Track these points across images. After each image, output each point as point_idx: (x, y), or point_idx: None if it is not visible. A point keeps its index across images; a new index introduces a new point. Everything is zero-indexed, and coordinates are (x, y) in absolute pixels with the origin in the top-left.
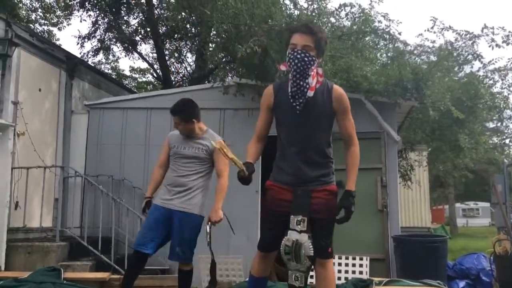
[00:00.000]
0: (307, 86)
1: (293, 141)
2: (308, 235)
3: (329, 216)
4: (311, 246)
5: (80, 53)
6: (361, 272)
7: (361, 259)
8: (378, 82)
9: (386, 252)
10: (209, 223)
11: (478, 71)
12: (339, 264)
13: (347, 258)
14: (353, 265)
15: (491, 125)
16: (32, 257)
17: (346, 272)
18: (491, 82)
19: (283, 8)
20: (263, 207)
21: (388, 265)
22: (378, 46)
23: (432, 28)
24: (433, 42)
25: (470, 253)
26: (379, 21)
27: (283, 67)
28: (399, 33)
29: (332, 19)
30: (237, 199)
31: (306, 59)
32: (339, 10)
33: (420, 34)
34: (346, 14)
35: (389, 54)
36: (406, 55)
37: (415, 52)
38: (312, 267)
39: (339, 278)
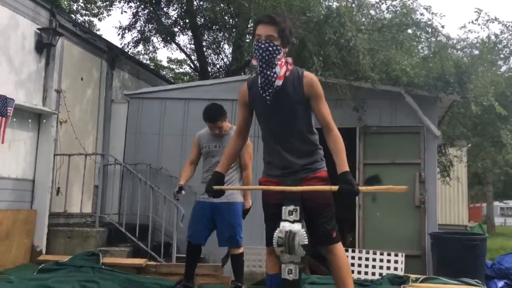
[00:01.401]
0: (275, 75)
1: (273, 133)
2: (302, 224)
3: (325, 202)
4: (306, 235)
5: (120, 44)
6: (396, 269)
7: (396, 255)
8: (418, 76)
9: (422, 248)
10: (244, 209)
11: None
12: (374, 260)
13: (382, 254)
14: (388, 261)
15: None
16: (72, 241)
17: (381, 268)
18: None
19: (322, 0)
20: (262, 203)
21: (424, 262)
22: (420, 39)
23: (476, 20)
24: (478, 35)
25: (509, 252)
26: (421, 14)
27: (254, 62)
28: (442, 26)
29: (372, 12)
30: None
31: (270, 48)
32: (380, 3)
33: (463, 26)
34: (387, 8)
35: (431, 48)
36: (448, 48)
37: (458, 46)
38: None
39: (373, 274)
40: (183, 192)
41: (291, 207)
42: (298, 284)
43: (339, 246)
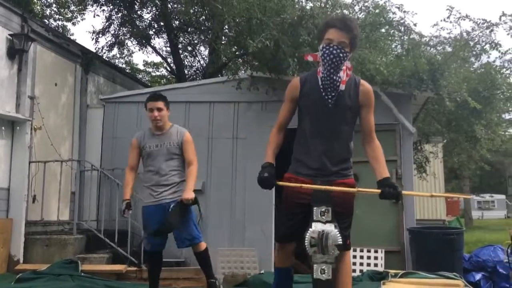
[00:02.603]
0: (339, 79)
1: (319, 133)
2: (335, 224)
3: (349, 209)
4: (339, 235)
5: (95, 49)
6: (376, 265)
7: (376, 251)
8: (392, 74)
9: (401, 244)
10: (180, 200)
11: (494, 61)
12: (354, 257)
13: (362, 251)
14: (368, 257)
15: (507, 116)
16: (50, 249)
17: (361, 264)
18: (508, 72)
19: (296, 1)
20: (283, 198)
21: (404, 258)
22: (393, 37)
23: (448, 17)
24: (450, 32)
25: (486, 245)
26: (394, 13)
27: (310, 58)
28: (415, 24)
29: (346, 11)
30: (252, 193)
31: (341, 55)
32: (353, 4)
33: (436, 24)
34: (360, 8)
35: (404, 46)
36: (421, 46)
37: (430, 43)
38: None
39: (354, 271)
40: (131, 210)
41: (323, 208)
42: (331, 284)
43: (348, 254)
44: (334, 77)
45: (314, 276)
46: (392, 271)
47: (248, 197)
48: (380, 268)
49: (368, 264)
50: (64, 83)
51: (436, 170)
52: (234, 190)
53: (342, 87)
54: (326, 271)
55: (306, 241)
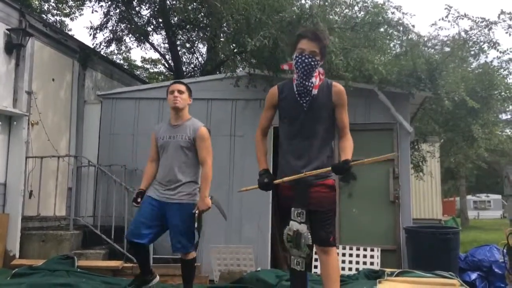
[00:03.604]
0: (312, 85)
1: (296, 135)
2: (307, 226)
3: (328, 208)
4: (310, 236)
5: (92, 44)
6: (372, 263)
7: (372, 250)
8: (390, 73)
9: (397, 243)
10: (197, 211)
11: (492, 61)
12: (350, 255)
13: (358, 249)
14: (364, 256)
15: (504, 116)
16: (46, 245)
17: (357, 263)
18: (505, 72)
19: (294, 0)
20: (279, 206)
21: (400, 256)
22: (392, 37)
23: (446, 17)
24: (448, 31)
25: (482, 245)
26: (392, 13)
27: (286, 67)
28: (413, 26)
29: (346, 10)
30: (248, 192)
31: (312, 63)
32: (353, 4)
33: (434, 24)
34: (359, 8)
35: (403, 46)
36: (420, 46)
37: (429, 44)
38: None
39: (350, 269)
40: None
41: (299, 210)
42: (304, 275)
43: (334, 249)
44: (307, 83)
45: (291, 266)
46: (388, 270)
47: (245, 195)
48: (376, 267)
49: (364, 263)
50: (62, 79)
51: (433, 170)
52: (231, 188)
53: (315, 91)
54: (300, 264)
55: (284, 236)
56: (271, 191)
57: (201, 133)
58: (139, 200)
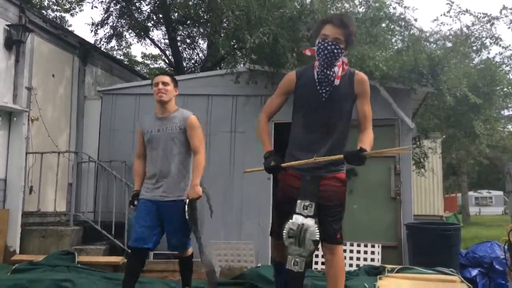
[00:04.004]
0: (334, 75)
1: (313, 127)
2: (315, 220)
3: (338, 203)
4: (317, 231)
5: (94, 41)
6: (373, 260)
7: (373, 246)
8: (392, 69)
9: (398, 239)
10: (187, 200)
11: (494, 57)
12: (351, 251)
13: (359, 245)
14: (365, 252)
15: (506, 112)
16: (47, 240)
17: (358, 259)
18: (508, 68)
19: None
20: (275, 195)
21: (401, 253)
22: (393, 32)
23: (448, 12)
24: (450, 27)
25: (483, 241)
26: (394, 8)
27: (308, 52)
28: (415, 19)
29: (346, 5)
30: (249, 187)
31: (335, 51)
32: None
33: (436, 19)
34: (360, 2)
35: (405, 41)
36: (422, 41)
37: (431, 39)
38: (319, 253)
39: (350, 265)
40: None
41: (307, 202)
42: (302, 277)
43: (340, 247)
44: (328, 72)
45: (287, 266)
46: (388, 266)
47: (246, 191)
48: (377, 263)
49: (365, 259)
50: (62, 75)
51: (435, 166)
52: (232, 184)
53: (337, 82)
54: (298, 264)
55: (284, 231)
56: (271, 186)
57: (191, 122)
58: (136, 202)
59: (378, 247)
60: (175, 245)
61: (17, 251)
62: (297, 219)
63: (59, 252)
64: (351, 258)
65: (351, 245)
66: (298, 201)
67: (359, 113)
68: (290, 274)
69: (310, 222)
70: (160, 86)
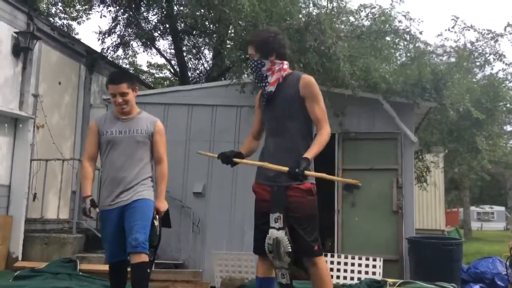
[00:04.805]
0: (267, 84)
1: (268, 133)
2: (285, 231)
3: (306, 214)
4: (288, 242)
5: (101, 50)
6: (374, 273)
7: (374, 259)
8: (396, 82)
9: (400, 253)
10: (157, 215)
11: (497, 73)
12: (352, 265)
13: (360, 259)
14: (366, 265)
15: (508, 128)
16: (49, 248)
17: (359, 272)
18: (511, 84)
19: (303, 6)
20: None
21: (402, 267)
22: (398, 46)
23: (453, 27)
24: (456, 41)
25: (485, 257)
26: (400, 21)
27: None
28: (420, 32)
29: (352, 18)
30: (252, 198)
31: (253, 64)
32: (360, 10)
33: (440, 34)
34: (366, 15)
35: (409, 54)
36: (426, 55)
37: (436, 52)
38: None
39: (352, 278)
40: (97, 209)
41: (276, 214)
42: (291, 287)
43: (320, 259)
44: (260, 84)
45: (277, 280)
46: (390, 280)
47: (249, 201)
48: (378, 277)
49: (366, 272)
50: (68, 82)
51: (437, 180)
52: (234, 194)
53: (271, 88)
54: (285, 276)
55: (265, 247)
56: None
57: (159, 128)
58: (92, 209)
59: (380, 260)
60: (132, 244)
61: (20, 258)
62: (272, 233)
63: (61, 260)
64: (352, 271)
65: (353, 258)
66: (271, 214)
67: (311, 115)
68: (280, 287)
69: (282, 234)
70: (119, 100)
